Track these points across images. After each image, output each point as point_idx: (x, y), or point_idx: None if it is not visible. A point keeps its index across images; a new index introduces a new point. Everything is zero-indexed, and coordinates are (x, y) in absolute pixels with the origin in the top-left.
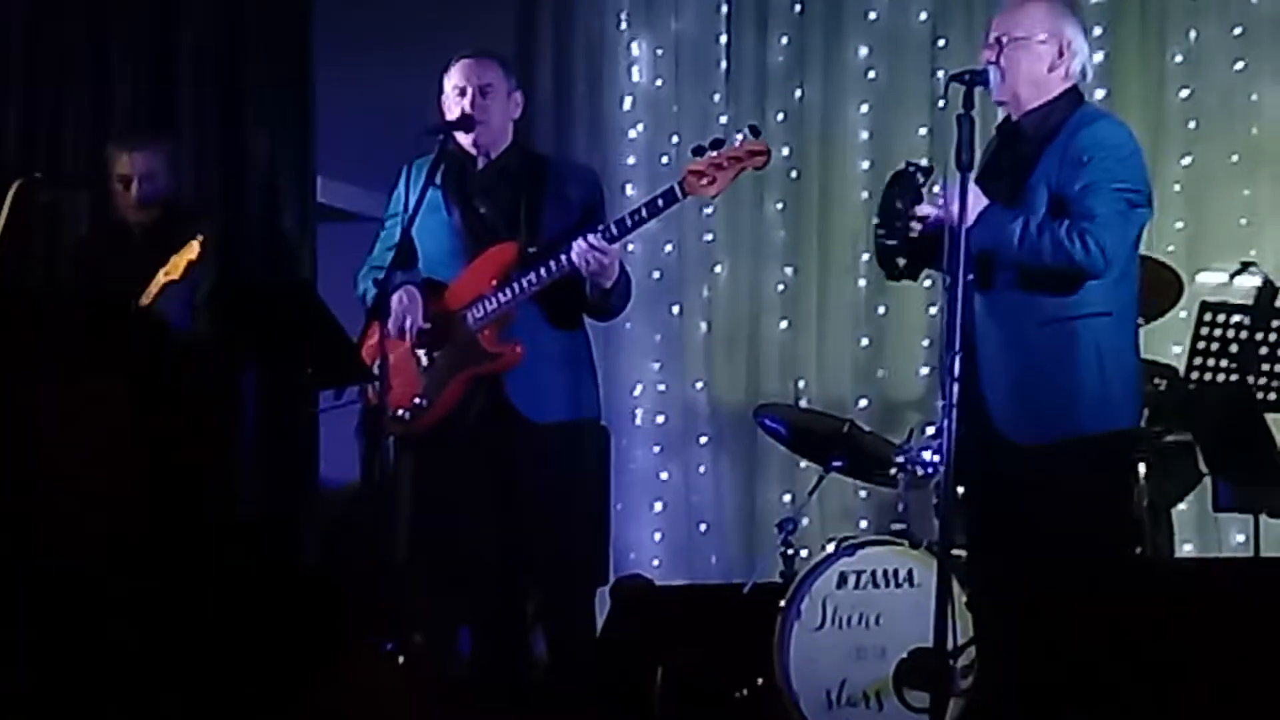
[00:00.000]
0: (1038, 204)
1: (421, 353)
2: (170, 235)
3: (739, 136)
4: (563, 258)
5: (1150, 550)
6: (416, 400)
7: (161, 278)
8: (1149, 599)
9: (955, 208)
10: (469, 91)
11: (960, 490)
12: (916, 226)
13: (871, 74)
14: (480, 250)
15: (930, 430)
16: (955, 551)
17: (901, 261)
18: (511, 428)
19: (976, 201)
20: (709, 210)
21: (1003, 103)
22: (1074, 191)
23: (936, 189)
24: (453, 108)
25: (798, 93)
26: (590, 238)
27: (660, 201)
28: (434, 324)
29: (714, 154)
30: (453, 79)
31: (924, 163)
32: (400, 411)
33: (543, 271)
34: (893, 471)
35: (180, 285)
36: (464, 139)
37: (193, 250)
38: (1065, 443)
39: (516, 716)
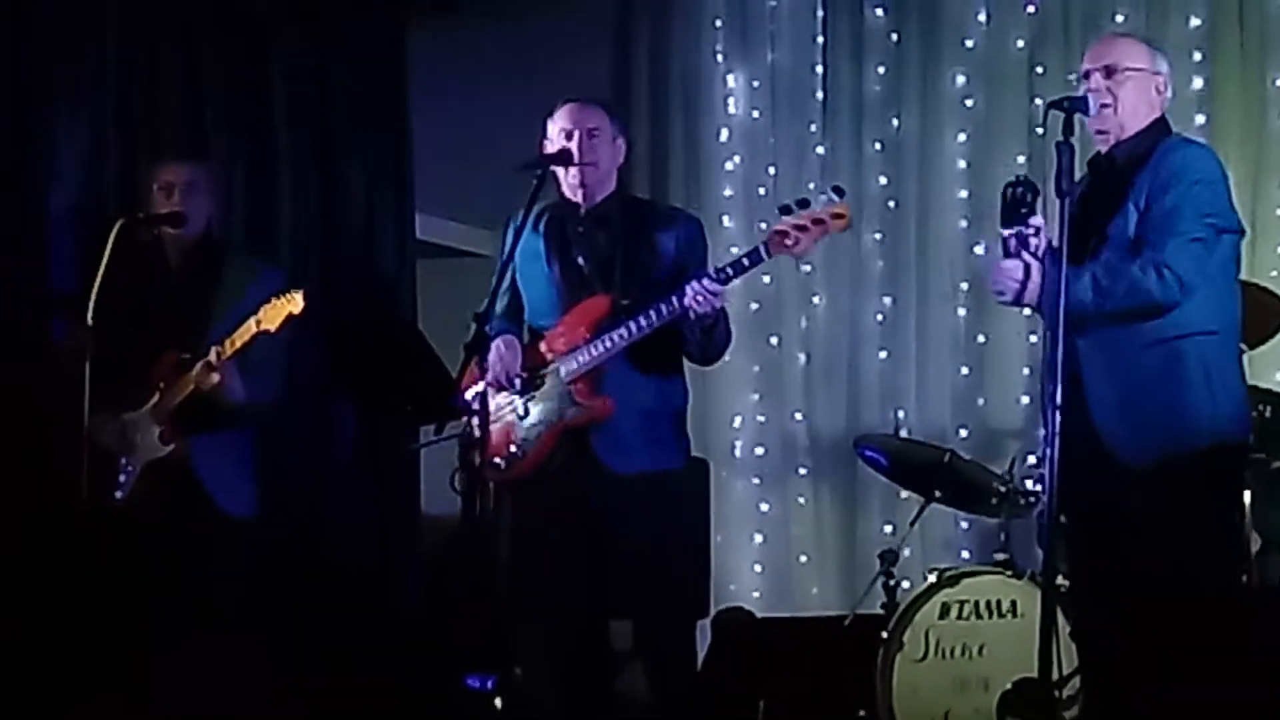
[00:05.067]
0: (1130, 230)
1: (519, 401)
2: (213, 266)
3: (823, 198)
4: (662, 307)
5: (1259, 582)
6: (513, 449)
7: (254, 326)
8: (1257, 629)
9: (1052, 235)
10: (576, 135)
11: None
12: (1035, 241)
13: (969, 102)
14: (576, 301)
15: (1031, 459)
16: (1059, 581)
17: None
18: (594, 477)
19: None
20: None
21: (1101, 132)
22: (1156, 216)
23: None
24: (557, 148)
25: (895, 122)
26: (704, 281)
27: (746, 261)
28: (530, 373)
29: (800, 214)
30: (558, 122)
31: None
32: (497, 460)
33: (634, 326)
34: (994, 501)
35: (273, 337)
36: (566, 179)
37: (295, 303)
38: (1178, 458)
39: None
